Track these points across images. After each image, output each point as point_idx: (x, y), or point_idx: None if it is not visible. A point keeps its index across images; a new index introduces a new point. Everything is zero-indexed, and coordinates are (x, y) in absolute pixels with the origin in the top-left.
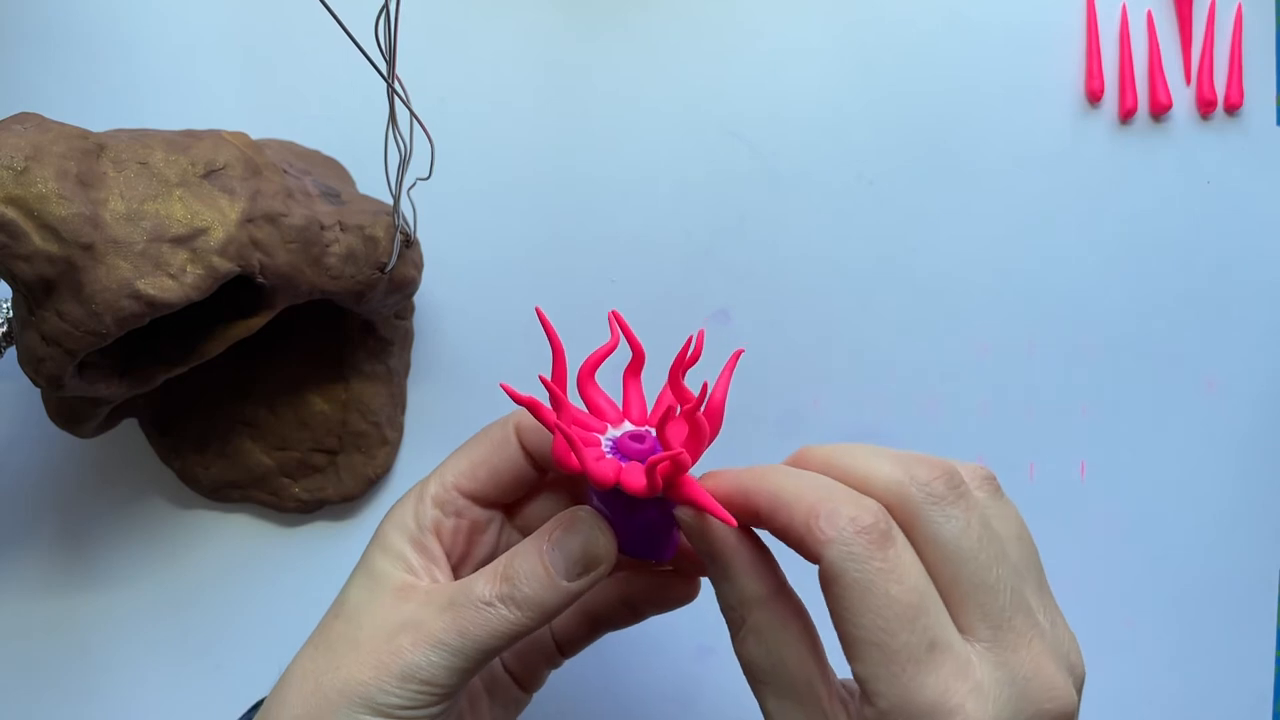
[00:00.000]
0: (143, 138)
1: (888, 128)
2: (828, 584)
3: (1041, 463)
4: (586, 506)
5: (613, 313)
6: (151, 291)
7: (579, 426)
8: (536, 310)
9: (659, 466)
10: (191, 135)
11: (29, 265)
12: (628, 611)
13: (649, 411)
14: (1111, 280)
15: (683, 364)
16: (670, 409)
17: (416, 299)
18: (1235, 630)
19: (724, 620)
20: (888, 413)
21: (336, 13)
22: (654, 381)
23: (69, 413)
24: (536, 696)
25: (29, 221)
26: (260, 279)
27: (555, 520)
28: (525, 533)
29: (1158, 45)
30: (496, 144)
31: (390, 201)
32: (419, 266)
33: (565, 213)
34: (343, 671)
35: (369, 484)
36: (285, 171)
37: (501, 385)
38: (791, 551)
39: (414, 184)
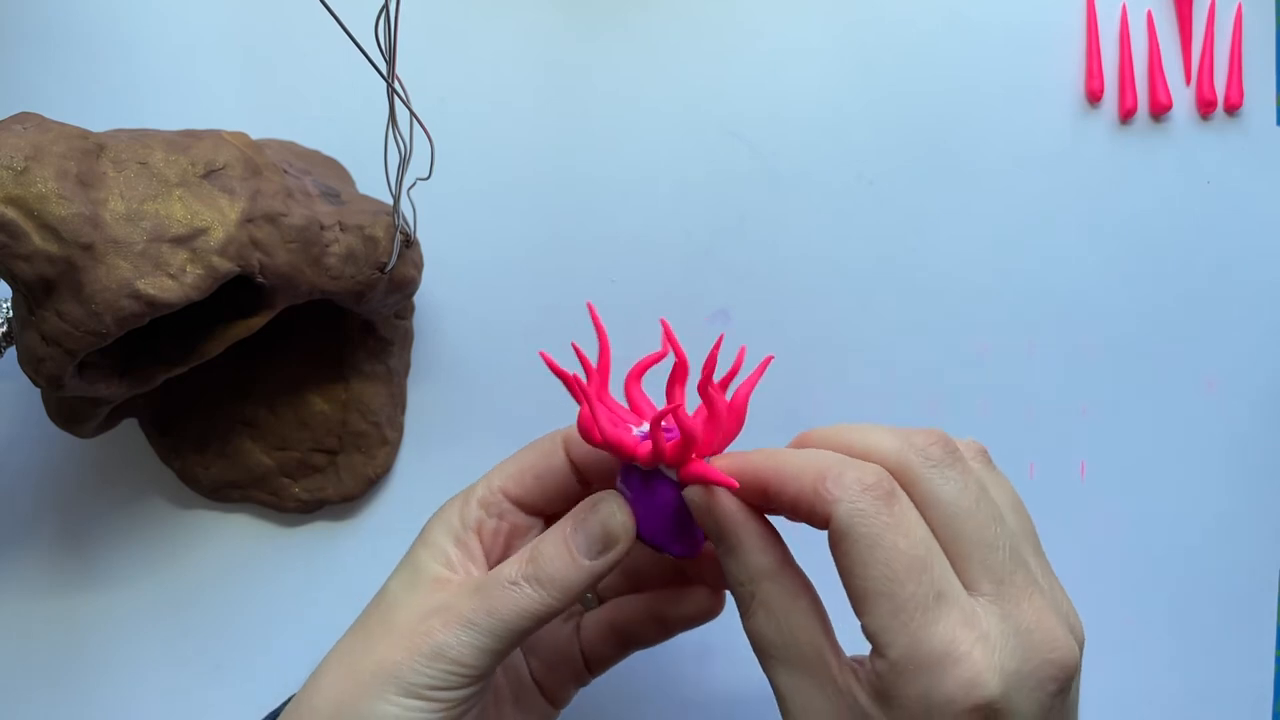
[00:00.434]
0: (143, 138)
1: (888, 128)
2: (836, 542)
3: (1041, 463)
4: (611, 490)
5: (663, 320)
6: (151, 291)
7: (614, 414)
8: (588, 305)
9: (669, 443)
10: (191, 135)
11: (29, 265)
12: (657, 628)
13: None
14: (1111, 280)
15: (713, 363)
16: (671, 390)
17: (416, 299)
18: (1235, 630)
19: (733, 602)
20: (888, 413)
21: (336, 13)
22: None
23: (69, 413)
24: None
25: (29, 221)
26: (260, 279)
27: (579, 506)
28: None
29: (1158, 45)
30: (496, 144)
31: (390, 201)
32: (419, 266)
33: (565, 213)
34: (376, 654)
35: (369, 484)
36: (285, 171)
37: (541, 354)
38: (796, 536)
39: (414, 184)
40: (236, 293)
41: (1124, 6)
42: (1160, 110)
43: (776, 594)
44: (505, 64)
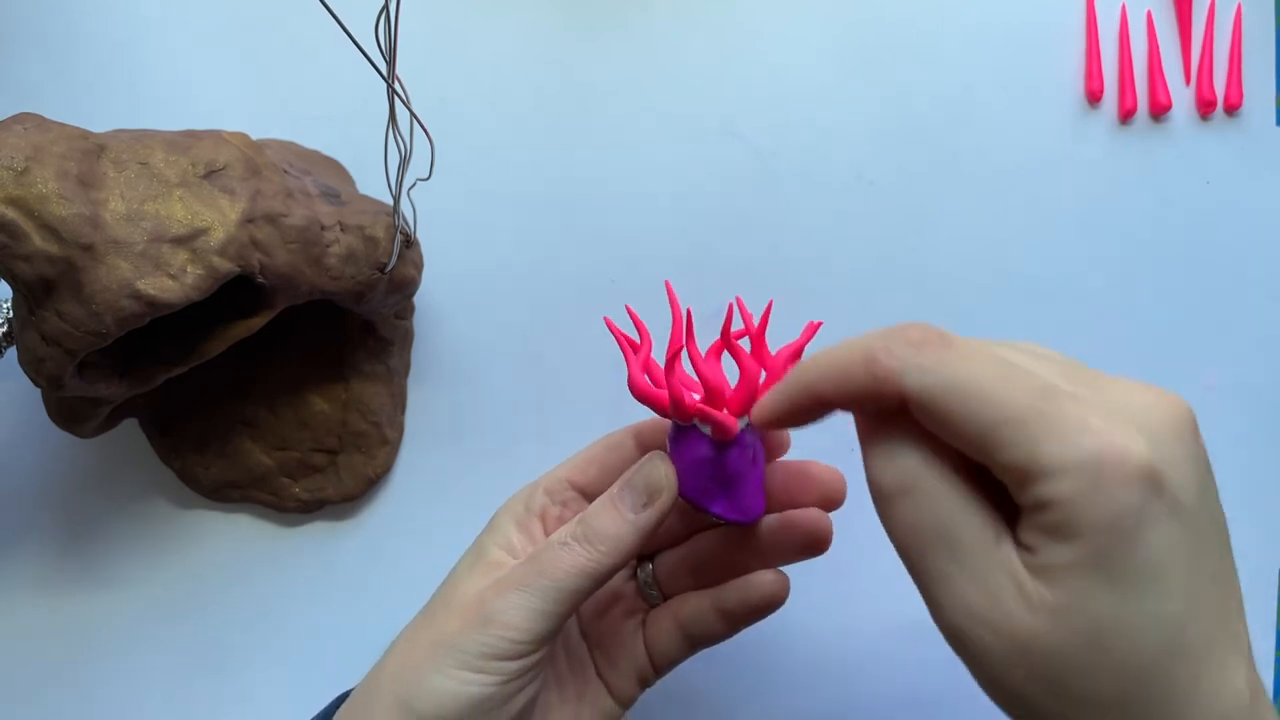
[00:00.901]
0: (143, 138)
1: (888, 128)
2: (925, 410)
3: None
4: (657, 450)
5: (738, 299)
6: (152, 291)
7: (660, 377)
8: (666, 284)
9: (677, 365)
10: (191, 135)
11: (29, 265)
12: (723, 622)
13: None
14: (1111, 280)
15: (729, 327)
16: (729, 324)
17: (416, 299)
18: None
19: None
20: None
21: (336, 13)
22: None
23: (69, 413)
24: None
25: (29, 222)
26: (260, 279)
27: (627, 471)
28: None
29: (1157, 45)
30: (496, 144)
31: (390, 201)
32: (419, 266)
33: (565, 213)
34: (435, 628)
35: (369, 484)
36: (285, 171)
37: (605, 320)
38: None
39: (414, 184)
40: (236, 293)
41: (1124, 7)
42: (1160, 110)
43: (934, 480)
44: (505, 64)
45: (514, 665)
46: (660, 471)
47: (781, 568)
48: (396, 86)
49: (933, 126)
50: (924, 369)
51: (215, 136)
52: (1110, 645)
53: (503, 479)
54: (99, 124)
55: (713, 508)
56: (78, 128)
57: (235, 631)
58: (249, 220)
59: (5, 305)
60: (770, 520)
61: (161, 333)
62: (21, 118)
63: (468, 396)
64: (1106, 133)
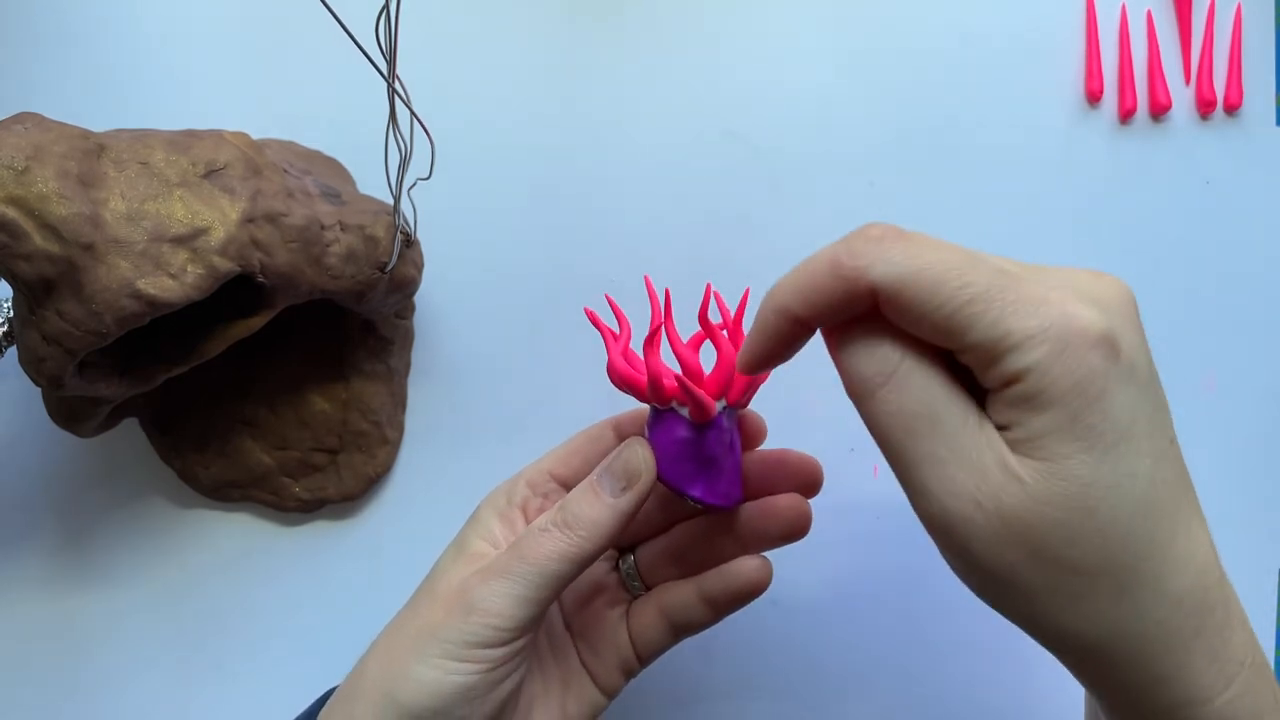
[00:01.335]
0: (143, 138)
1: (888, 128)
2: (895, 300)
3: None
4: (636, 436)
5: (708, 288)
6: (152, 291)
7: (639, 361)
8: (645, 279)
9: (653, 345)
10: (192, 135)
11: (30, 265)
12: (706, 610)
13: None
14: None
15: (706, 310)
16: (705, 306)
17: (416, 299)
18: None
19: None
20: None
21: (337, 13)
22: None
23: (69, 412)
24: None
25: (30, 221)
26: (260, 279)
27: (606, 457)
28: None
29: (1157, 45)
30: (496, 144)
31: (390, 201)
32: (419, 266)
33: (565, 212)
34: (419, 619)
35: (369, 483)
36: (285, 171)
37: (586, 310)
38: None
39: (414, 184)
40: (237, 292)
41: (1124, 7)
42: (1160, 110)
43: (915, 364)
44: (505, 64)
45: (498, 653)
46: (639, 455)
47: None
48: (396, 86)
49: (933, 126)
50: (889, 260)
51: (215, 136)
52: (1094, 506)
53: (503, 478)
54: (99, 124)
55: (691, 491)
56: (78, 127)
57: (235, 631)
58: (249, 220)
59: (5, 305)
60: (750, 506)
61: (161, 332)
62: (21, 118)
63: (468, 396)
64: (1106, 133)
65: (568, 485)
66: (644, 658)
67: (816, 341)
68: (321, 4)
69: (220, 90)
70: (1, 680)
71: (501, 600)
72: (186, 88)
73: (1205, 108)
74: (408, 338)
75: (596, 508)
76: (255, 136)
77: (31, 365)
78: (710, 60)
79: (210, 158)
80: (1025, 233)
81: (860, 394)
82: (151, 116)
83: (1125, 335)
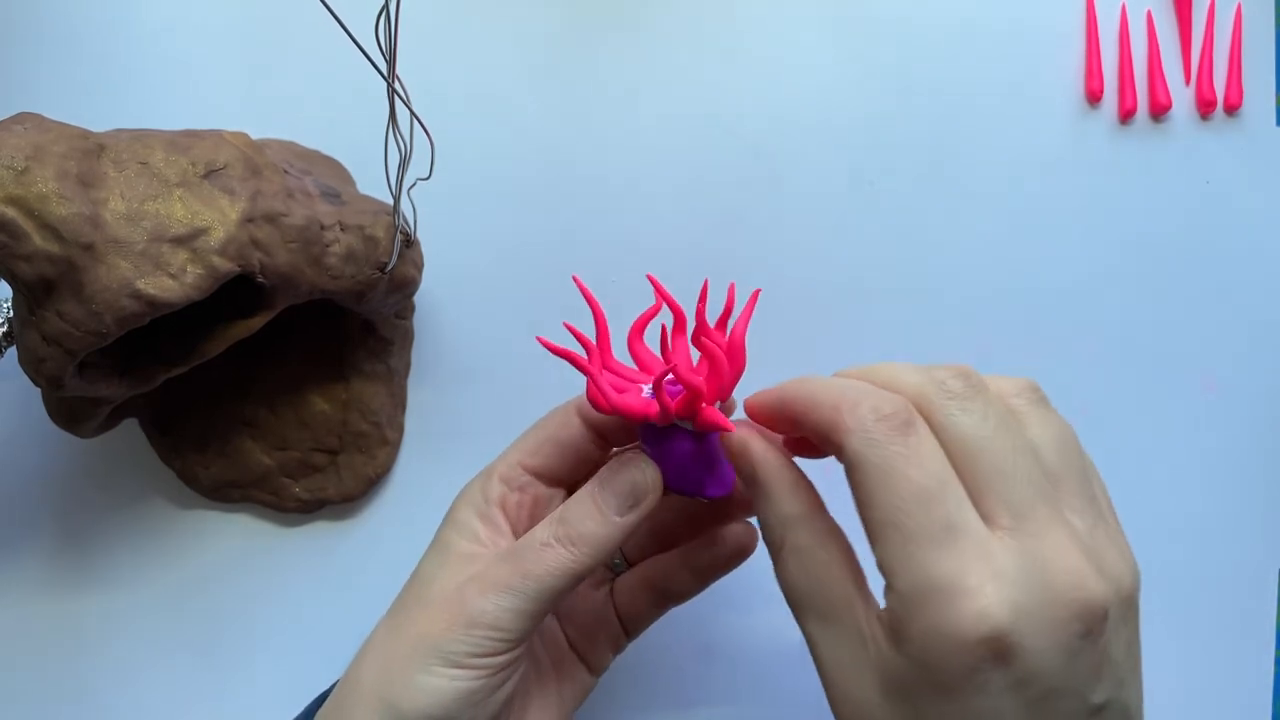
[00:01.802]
0: (143, 138)
1: (888, 128)
2: (851, 473)
3: None
4: (633, 449)
5: (649, 276)
6: (152, 291)
7: (622, 379)
8: (575, 278)
9: (676, 395)
10: (192, 135)
11: (29, 265)
12: (692, 579)
13: (695, 365)
14: (1111, 280)
15: (704, 305)
16: (666, 339)
17: (416, 299)
18: (1235, 630)
19: (766, 549)
20: None
21: (336, 13)
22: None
23: (69, 413)
24: None
25: (29, 221)
26: (260, 279)
27: (604, 467)
28: None
29: (1157, 45)
30: (496, 144)
31: (390, 201)
32: (419, 266)
33: (565, 212)
34: (415, 628)
35: (369, 484)
36: (285, 171)
37: (539, 339)
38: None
39: (414, 184)
40: (236, 293)
41: (1124, 7)
42: (1160, 110)
43: (805, 541)
44: (506, 64)
45: (499, 660)
46: (646, 475)
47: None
48: (396, 86)
49: (932, 126)
50: (871, 441)
51: (215, 136)
52: None
53: None
54: (99, 124)
55: (705, 493)
56: (78, 127)
57: (235, 631)
58: (249, 220)
59: (5, 305)
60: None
61: (161, 332)
62: (21, 118)
63: (468, 396)
64: (1106, 133)
65: (541, 475)
66: (632, 632)
67: (816, 342)
68: (321, 4)
69: (220, 90)
70: (1, 680)
71: (503, 614)
72: (186, 88)
73: (1205, 108)
74: (408, 338)
75: (603, 526)
76: (255, 136)
77: (31, 366)
78: (710, 60)
79: (210, 158)
80: (1025, 233)
81: (769, 545)
82: (151, 116)
83: (1031, 643)
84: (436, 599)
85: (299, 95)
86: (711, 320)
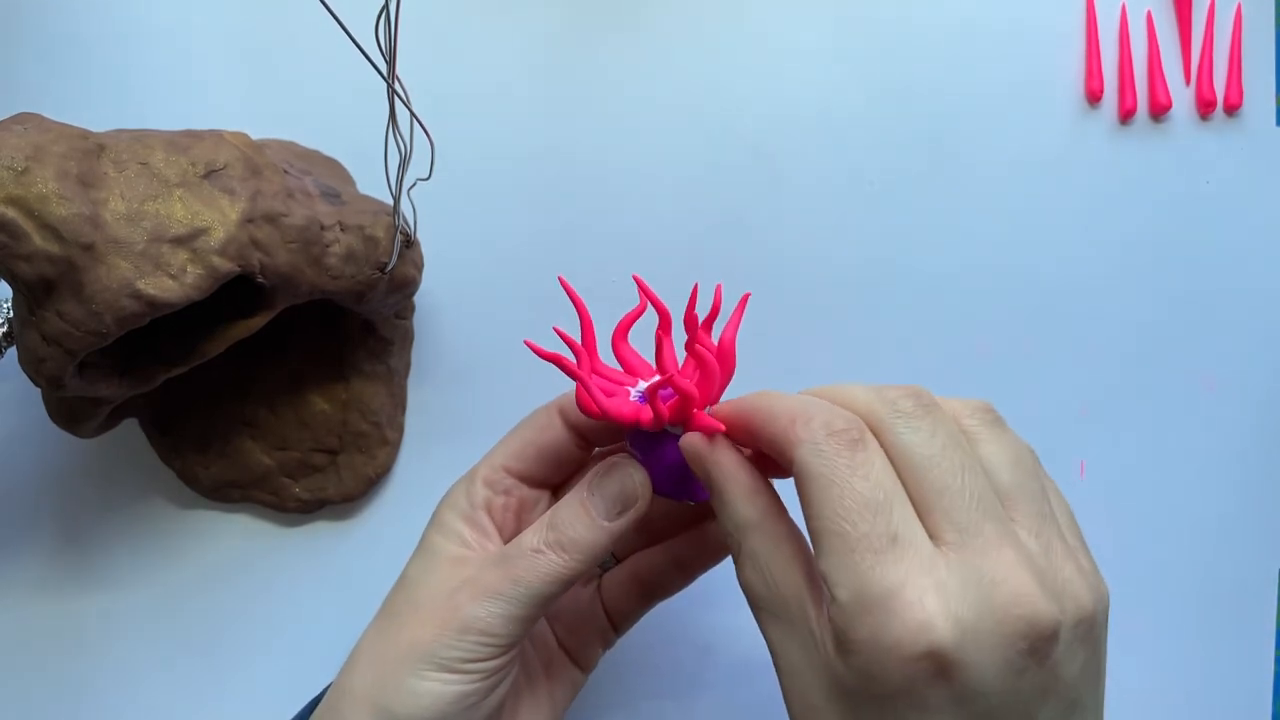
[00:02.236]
0: (143, 138)
1: (888, 128)
2: (799, 483)
3: (1041, 462)
4: (622, 454)
5: (635, 276)
6: (152, 291)
7: (610, 381)
8: (560, 279)
9: (667, 402)
10: (191, 135)
11: (29, 265)
12: (678, 573)
13: (679, 366)
14: (1111, 280)
15: (694, 309)
16: (662, 343)
17: (416, 299)
18: (1235, 630)
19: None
20: None
21: (336, 13)
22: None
23: (69, 413)
24: None
25: (29, 221)
26: (260, 279)
27: (592, 471)
28: None
29: (1157, 45)
30: (496, 144)
31: (390, 201)
32: (419, 266)
33: (565, 212)
34: (406, 633)
35: (369, 484)
36: (285, 171)
37: (526, 342)
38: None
39: (414, 184)
40: (236, 293)
41: (1124, 7)
42: (1160, 110)
43: (761, 544)
44: (505, 64)
45: (493, 664)
46: (635, 481)
47: None
48: (396, 86)
49: (933, 126)
50: (819, 452)
51: (215, 136)
52: None
53: None
54: (99, 124)
55: (697, 497)
56: (78, 128)
57: (235, 631)
58: (249, 220)
59: (5, 305)
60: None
61: (161, 333)
62: (21, 118)
63: (468, 396)
64: (1106, 133)
65: (524, 479)
66: (620, 628)
67: (816, 341)
68: (321, 4)
69: (220, 90)
70: (1, 680)
71: (495, 620)
72: (186, 88)
73: (1205, 108)
74: (407, 338)
75: (592, 531)
76: (255, 136)
77: (31, 366)
78: (711, 60)
79: (210, 158)
80: (1025, 233)
81: (731, 550)
82: (151, 116)
83: (973, 659)
84: (427, 604)
85: (299, 95)
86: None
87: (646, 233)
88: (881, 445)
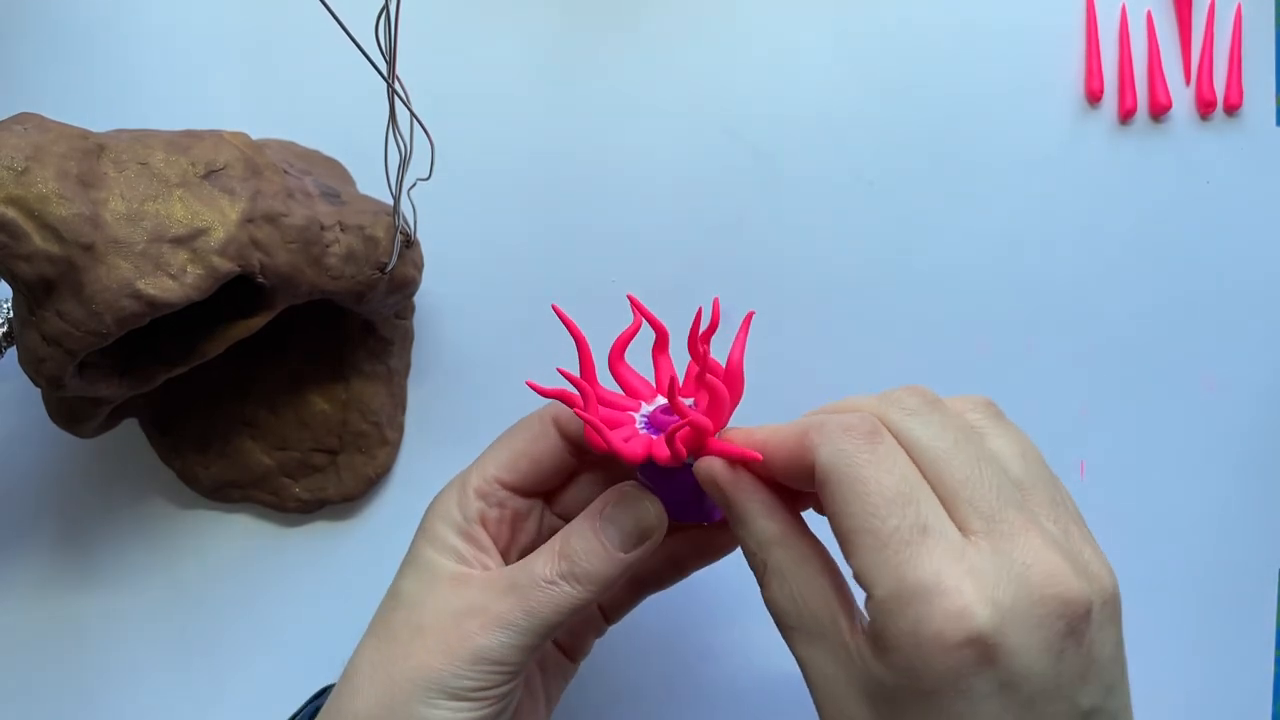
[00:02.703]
0: (143, 138)
1: (888, 128)
2: (822, 488)
3: None
4: (632, 481)
5: (629, 295)
6: (152, 291)
7: (612, 407)
8: (554, 307)
9: (679, 434)
10: (191, 135)
11: (30, 265)
12: (672, 570)
13: (681, 384)
14: (1111, 280)
15: (697, 334)
16: (673, 380)
17: (416, 299)
18: (1235, 630)
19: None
20: None
21: (336, 13)
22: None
23: (69, 413)
24: None
25: (30, 221)
26: (260, 279)
27: (603, 498)
28: (565, 517)
29: (1157, 45)
30: (496, 144)
31: (390, 201)
32: (419, 266)
33: (565, 212)
34: (413, 660)
35: (369, 484)
36: (285, 171)
37: (529, 383)
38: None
39: (414, 184)
40: (236, 293)
41: (1124, 7)
42: (1160, 110)
43: (786, 560)
44: (505, 64)
45: (503, 690)
46: (652, 514)
47: None
48: (396, 86)
49: (932, 126)
50: (839, 452)
51: (215, 136)
52: None
53: None
54: (99, 124)
55: (713, 518)
56: (78, 128)
57: (235, 631)
58: (249, 220)
59: (5, 305)
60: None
61: (161, 333)
62: (21, 118)
63: (468, 396)
64: (1106, 133)
65: (517, 490)
66: (611, 618)
67: (816, 341)
68: (321, 4)
69: (220, 90)
70: (1, 680)
71: (508, 651)
72: (186, 88)
73: (1205, 108)
74: (407, 338)
75: (608, 564)
76: (255, 136)
77: (31, 366)
78: (710, 60)
79: (210, 158)
80: (1025, 233)
81: (754, 571)
82: (151, 116)
83: (1015, 642)
84: (433, 629)
85: (299, 95)
86: (683, 332)
87: (646, 232)
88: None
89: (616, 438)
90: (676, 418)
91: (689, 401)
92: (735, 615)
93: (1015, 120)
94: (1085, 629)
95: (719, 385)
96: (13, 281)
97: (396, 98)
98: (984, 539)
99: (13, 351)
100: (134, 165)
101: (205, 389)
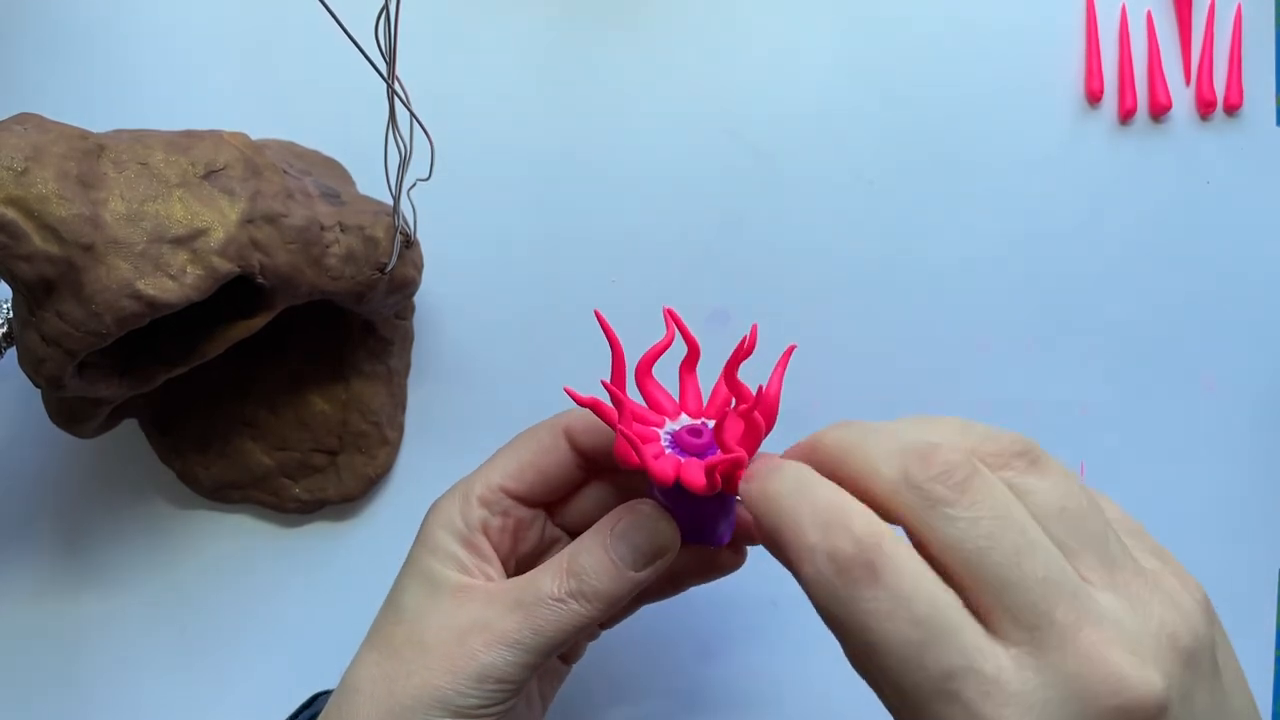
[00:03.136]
0: (143, 138)
1: (888, 127)
2: (825, 623)
3: None
4: (648, 500)
5: (667, 310)
6: (151, 292)
7: (638, 421)
8: (596, 313)
9: (719, 467)
10: (191, 135)
11: (29, 266)
12: (669, 585)
13: (704, 403)
14: (1111, 280)
15: (737, 360)
16: (727, 409)
17: (416, 299)
18: (1235, 630)
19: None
20: (887, 413)
21: (336, 13)
22: (702, 373)
23: (69, 413)
24: None
25: (29, 222)
26: (260, 279)
27: (614, 514)
28: (567, 528)
29: (1157, 45)
30: (496, 144)
31: (390, 201)
32: (419, 267)
33: (565, 212)
34: (415, 677)
35: (369, 484)
36: (285, 172)
37: (566, 389)
38: None
39: (414, 184)
40: (236, 293)
41: (1124, 7)
42: (1160, 110)
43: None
44: (505, 64)
45: (505, 705)
46: (665, 535)
47: None
48: (396, 86)
49: (932, 126)
50: (835, 598)
51: (215, 136)
52: None
53: None
54: (99, 124)
55: (723, 541)
56: (78, 128)
57: (234, 631)
58: (249, 220)
59: (5, 305)
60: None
61: (161, 333)
62: (21, 118)
63: (468, 396)
64: (1106, 133)
65: (523, 499)
66: (607, 625)
67: (815, 341)
68: (321, 4)
69: (220, 90)
70: (1, 680)
71: (513, 668)
72: (186, 88)
73: (1205, 108)
74: (407, 338)
75: (618, 583)
76: (255, 136)
77: (31, 366)
78: (710, 60)
79: (210, 158)
80: (1025, 233)
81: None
82: (151, 116)
83: (1185, 698)
84: (436, 646)
85: (299, 96)
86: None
87: (646, 232)
88: (912, 536)
89: (649, 455)
90: (703, 440)
91: (710, 423)
92: (735, 615)
93: (1015, 120)
94: (1164, 717)
95: (759, 420)
96: (12, 282)
97: (396, 98)
98: (1027, 653)
99: (13, 351)
100: (134, 165)
101: (205, 389)
